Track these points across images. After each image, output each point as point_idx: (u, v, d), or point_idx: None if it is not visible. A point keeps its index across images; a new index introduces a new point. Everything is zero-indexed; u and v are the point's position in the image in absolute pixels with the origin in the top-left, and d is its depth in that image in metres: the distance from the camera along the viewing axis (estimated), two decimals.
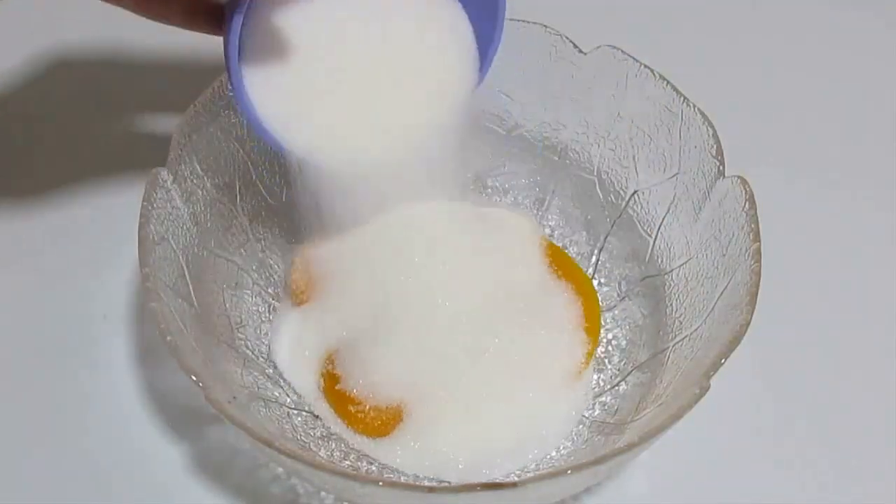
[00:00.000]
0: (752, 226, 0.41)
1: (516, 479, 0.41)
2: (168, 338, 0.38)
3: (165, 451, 0.45)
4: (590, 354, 0.47)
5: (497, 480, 0.36)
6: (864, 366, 0.49)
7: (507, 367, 0.44)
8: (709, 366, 0.38)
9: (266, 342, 0.47)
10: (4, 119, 0.54)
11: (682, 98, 0.45)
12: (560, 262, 0.49)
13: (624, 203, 0.49)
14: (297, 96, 0.29)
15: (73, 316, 0.49)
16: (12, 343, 0.48)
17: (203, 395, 0.36)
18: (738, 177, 0.43)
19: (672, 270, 0.46)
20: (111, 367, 0.47)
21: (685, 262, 0.45)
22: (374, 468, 0.43)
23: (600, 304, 0.49)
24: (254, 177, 0.47)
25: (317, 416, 0.45)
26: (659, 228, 0.47)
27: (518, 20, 0.47)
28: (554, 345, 0.46)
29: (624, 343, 0.48)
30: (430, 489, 0.34)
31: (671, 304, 0.46)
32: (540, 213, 0.52)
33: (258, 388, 0.44)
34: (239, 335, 0.46)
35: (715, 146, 0.44)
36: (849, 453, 0.46)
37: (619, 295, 0.49)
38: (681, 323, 0.44)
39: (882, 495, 0.45)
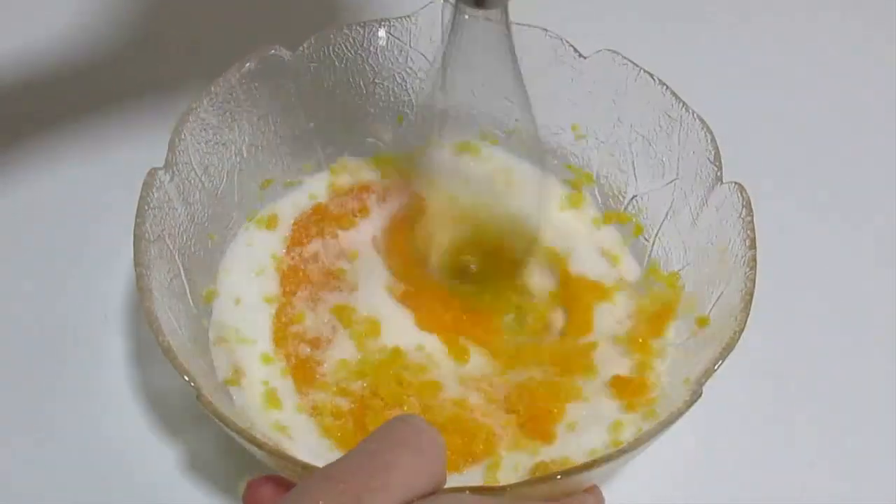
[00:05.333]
0: (749, 233, 0.41)
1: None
2: (160, 338, 0.38)
3: (161, 450, 0.45)
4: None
5: (484, 485, 0.35)
6: (859, 373, 0.48)
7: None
8: (701, 372, 0.38)
9: None
10: (2, 117, 0.55)
11: (681, 103, 0.45)
12: None
13: (622, 208, 0.49)
14: None
15: (73, 315, 0.49)
16: (12, 342, 0.48)
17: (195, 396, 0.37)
18: (736, 183, 0.42)
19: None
20: (109, 366, 0.47)
21: (682, 268, 0.45)
22: None
23: None
24: (252, 178, 0.48)
25: None
26: (657, 234, 0.47)
27: (519, 23, 0.47)
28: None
29: None
30: None
31: None
32: None
33: None
34: None
35: (713, 152, 0.44)
36: (843, 458, 0.46)
37: None
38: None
39: (876, 501, 0.45)
